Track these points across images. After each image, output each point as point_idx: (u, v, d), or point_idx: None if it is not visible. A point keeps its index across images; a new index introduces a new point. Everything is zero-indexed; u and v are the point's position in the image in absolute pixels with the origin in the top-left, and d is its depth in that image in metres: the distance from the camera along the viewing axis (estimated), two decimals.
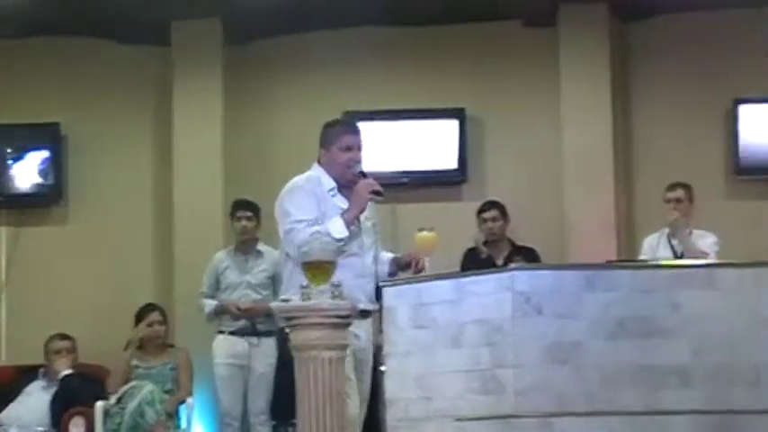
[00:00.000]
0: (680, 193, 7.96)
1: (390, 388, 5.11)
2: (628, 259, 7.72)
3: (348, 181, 5.64)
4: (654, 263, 6.65)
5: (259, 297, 8.19)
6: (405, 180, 9.20)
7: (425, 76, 9.50)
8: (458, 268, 7.72)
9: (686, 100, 9.30)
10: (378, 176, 5.61)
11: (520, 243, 8.59)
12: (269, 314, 8.06)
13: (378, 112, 9.46)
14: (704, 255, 7.57)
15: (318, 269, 5.96)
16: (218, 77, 9.39)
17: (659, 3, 9.32)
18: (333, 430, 5.89)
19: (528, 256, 8.23)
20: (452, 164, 9.40)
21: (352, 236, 5.48)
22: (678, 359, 4.59)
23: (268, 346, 8.15)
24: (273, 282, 8.20)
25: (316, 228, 5.38)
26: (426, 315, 4.94)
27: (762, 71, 9.22)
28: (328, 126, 5.86)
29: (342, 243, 5.38)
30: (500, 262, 8.14)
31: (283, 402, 7.68)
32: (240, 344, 8.15)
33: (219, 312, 8.22)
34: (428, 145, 9.39)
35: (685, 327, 4.61)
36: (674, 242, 7.89)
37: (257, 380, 8.14)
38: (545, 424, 4.60)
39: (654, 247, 8.01)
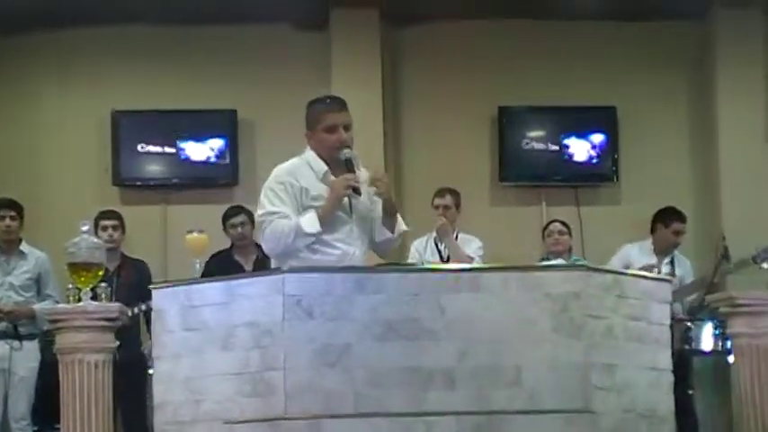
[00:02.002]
0: (448, 199, 8.12)
1: (158, 391, 5.04)
2: (397, 262, 7.84)
3: (339, 163, 5.28)
4: (421, 266, 6.77)
5: (21, 299, 7.97)
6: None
7: (197, 76, 9.43)
8: None
9: (454, 106, 9.53)
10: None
11: None
12: (31, 316, 7.87)
13: (148, 111, 9.32)
14: (470, 259, 7.75)
15: (85, 270, 5.83)
16: None
17: (428, 10, 9.51)
18: None
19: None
20: (225, 166, 9.40)
21: (337, 223, 5.24)
22: (444, 361, 4.67)
23: (30, 350, 7.94)
24: (37, 283, 8.03)
25: (285, 220, 5.15)
26: (197, 317, 4.89)
27: (525, 79, 9.53)
28: (310, 105, 5.41)
29: (312, 239, 5.16)
30: (249, 267, 7.98)
31: (46, 407, 7.48)
32: (0, 347, 7.90)
33: None
34: (200, 147, 9.34)
35: (452, 329, 4.70)
36: (441, 246, 8.05)
37: (18, 384, 7.91)
38: (314, 426, 4.62)
39: (421, 250, 8.15)
